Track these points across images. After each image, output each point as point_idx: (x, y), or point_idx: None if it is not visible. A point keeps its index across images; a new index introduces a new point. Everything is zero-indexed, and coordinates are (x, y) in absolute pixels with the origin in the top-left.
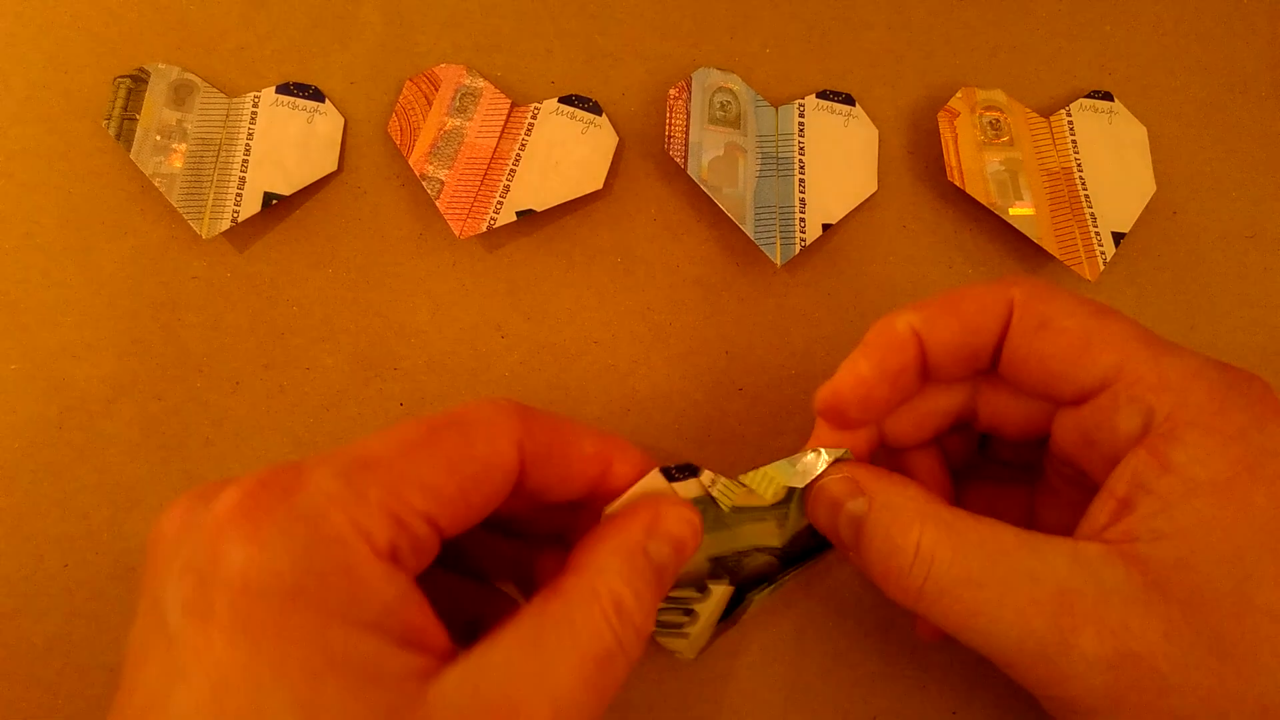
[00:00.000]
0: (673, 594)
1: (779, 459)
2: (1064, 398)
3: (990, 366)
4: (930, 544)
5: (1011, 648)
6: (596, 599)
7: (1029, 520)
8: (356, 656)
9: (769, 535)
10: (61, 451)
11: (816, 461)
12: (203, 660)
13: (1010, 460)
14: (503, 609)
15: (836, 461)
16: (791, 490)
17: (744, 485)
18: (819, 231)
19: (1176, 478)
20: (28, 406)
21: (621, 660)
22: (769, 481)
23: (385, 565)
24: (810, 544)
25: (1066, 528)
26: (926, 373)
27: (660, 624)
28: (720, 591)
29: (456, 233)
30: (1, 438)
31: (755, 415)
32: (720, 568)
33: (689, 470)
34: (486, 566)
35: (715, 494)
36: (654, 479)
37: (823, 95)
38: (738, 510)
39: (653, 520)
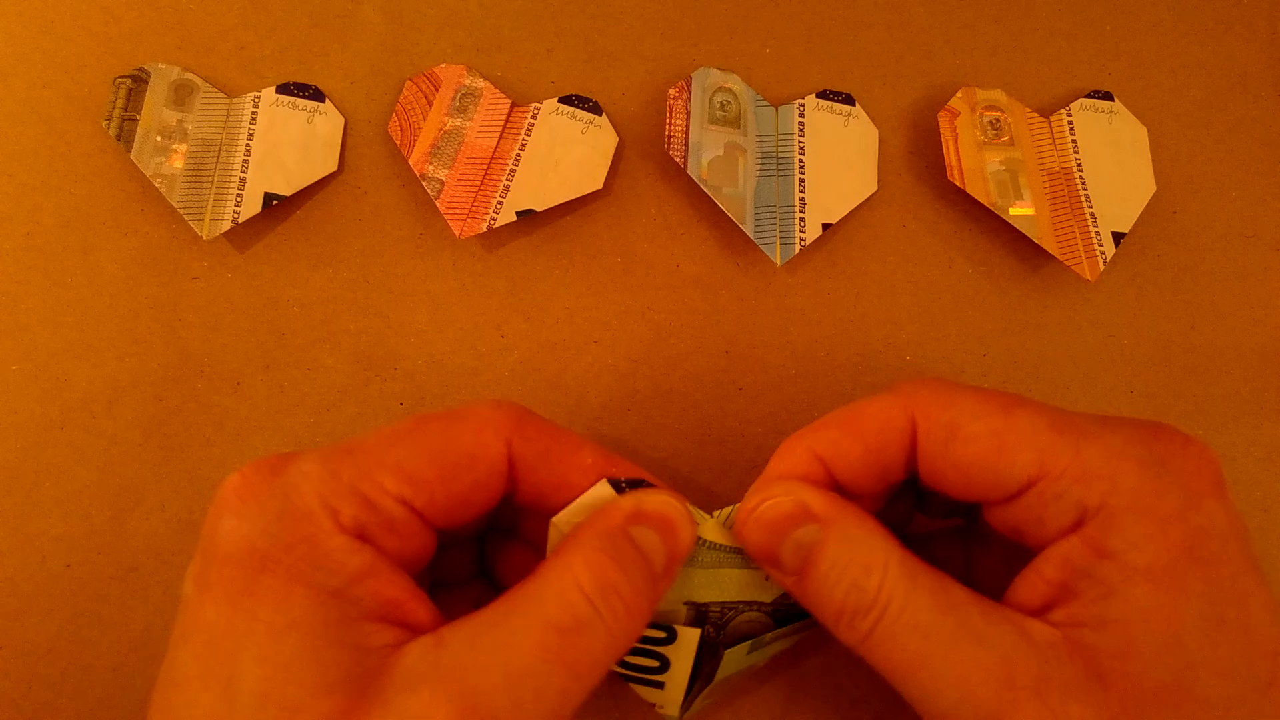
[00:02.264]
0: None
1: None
2: (990, 500)
3: (905, 475)
4: (890, 586)
5: (948, 708)
6: (569, 569)
7: (966, 570)
8: (319, 620)
9: (756, 588)
10: (63, 452)
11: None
12: (198, 623)
13: (942, 514)
14: None
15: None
16: None
17: (714, 519)
18: (819, 231)
19: (1115, 564)
20: (29, 407)
21: (599, 633)
22: None
23: (348, 539)
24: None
25: (1001, 580)
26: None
27: (633, 667)
28: (688, 636)
29: (456, 233)
30: (3, 438)
31: (755, 415)
32: (703, 618)
33: (640, 485)
34: None
35: None
36: (601, 490)
37: (823, 95)
38: (714, 548)
39: (634, 507)
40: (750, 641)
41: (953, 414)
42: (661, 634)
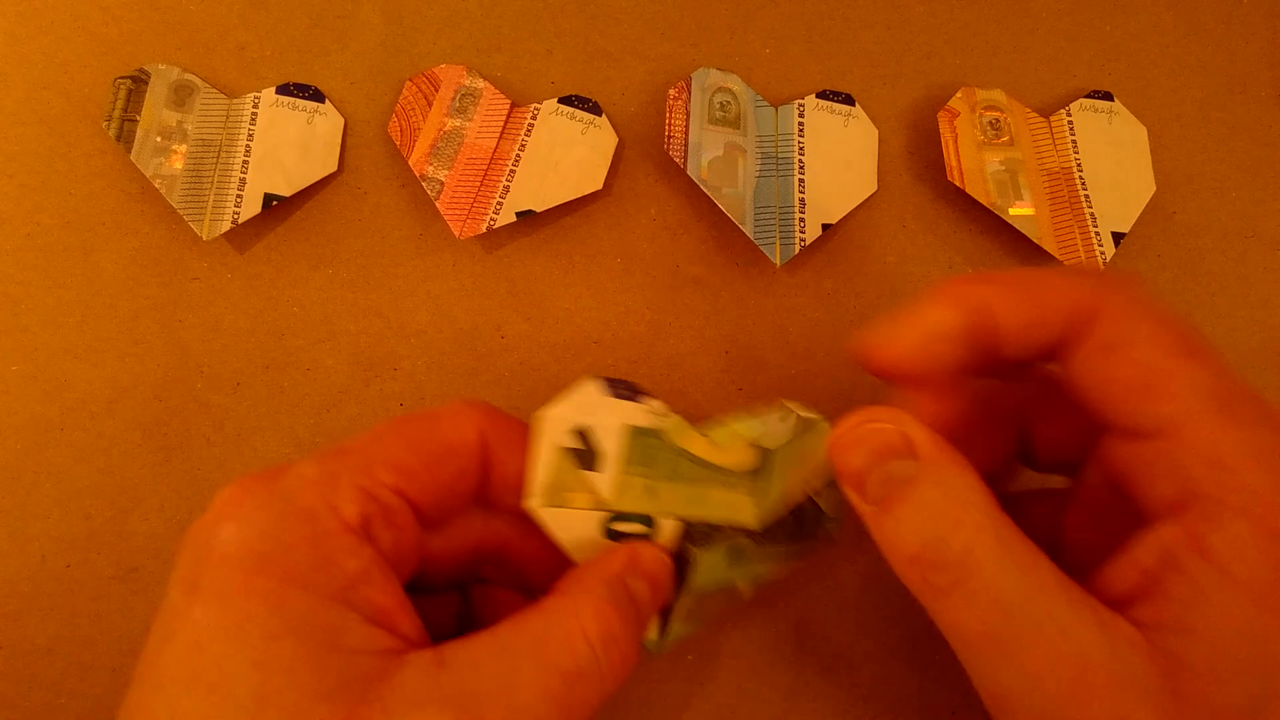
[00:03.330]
0: (618, 527)
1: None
2: (1114, 429)
3: (1050, 358)
4: (980, 548)
5: (1015, 694)
6: (576, 616)
7: (1054, 540)
8: (316, 623)
9: (742, 511)
10: (63, 452)
11: (787, 420)
12: (184, 624)
13: (1046, 465)
14: None
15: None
16: (766, 459)
17: (705, 436)
18: (819, 231)
19: (1213, 567)
20: (29, 407)
21: (596, 682)
22: (734, 437)
23: (353, 538)
24: (794, 536)
25: (1089, 557)
26: (985, 351)
27: None
28: (670, 527)
29: (456, 233)
30: (3, 438)
31: None
32: (687, 537)
33: (631, 389)
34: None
35: (669, 427)
36: (591, 389)
37: (823, 95)
38: (699, 464)
39: (632, 558)
40: (728, 547)
41: (1132, 328)
42: (640, 526)
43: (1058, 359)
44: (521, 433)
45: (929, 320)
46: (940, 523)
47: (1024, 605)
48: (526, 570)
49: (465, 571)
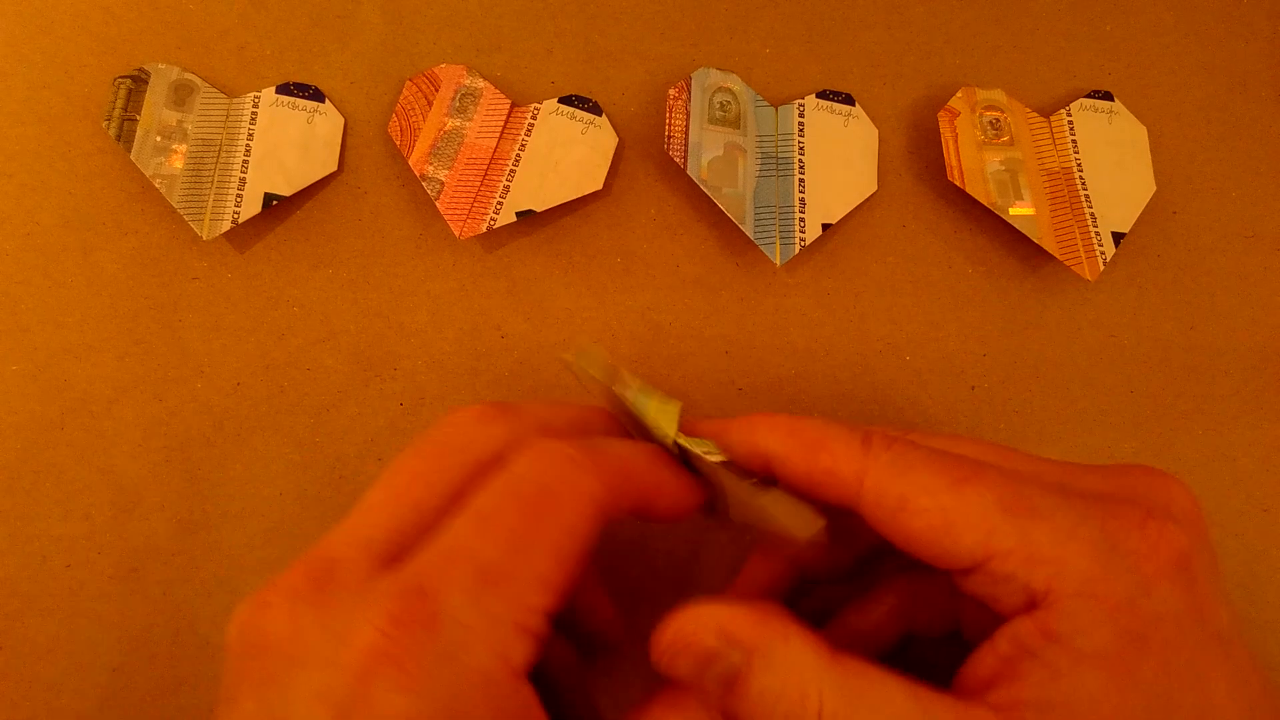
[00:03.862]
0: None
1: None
2: (941, 567)
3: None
4: (830, 710)
5: None
6: None
7: (954, 614)
8: None
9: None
10: (63, 452)
11: (661, 409)
12: None
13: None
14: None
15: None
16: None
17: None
18: (819, 231)
19: (1062, 648)
20: (29, 407)
21: None
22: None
23: (522, 687)
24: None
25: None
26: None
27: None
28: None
29: (456, 233)
30: (3, 438)
31: None
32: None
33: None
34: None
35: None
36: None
37: (823, 95)
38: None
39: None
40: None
41: (903, 486)
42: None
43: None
44: (637, 491)
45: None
46: (784, 704)
47: None
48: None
49: None
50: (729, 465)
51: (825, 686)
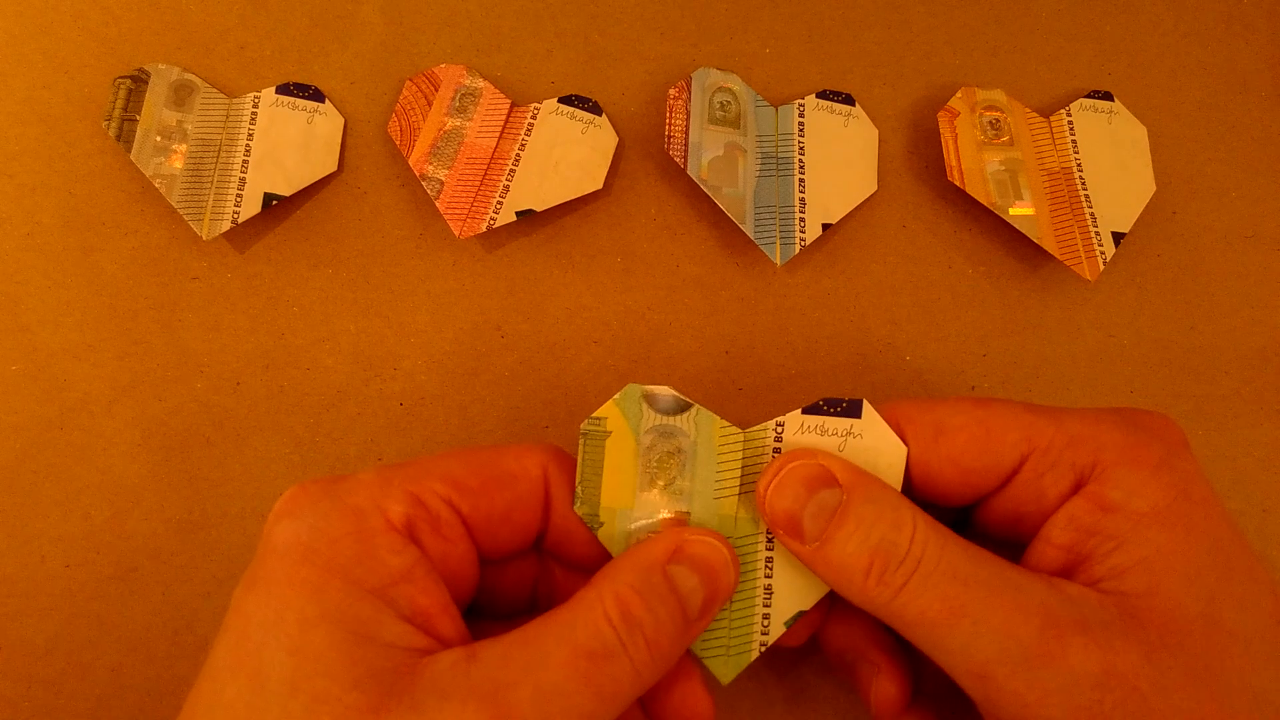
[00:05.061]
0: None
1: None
2: (983, 488)
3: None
4: (921, 539)
5: (993, 655)
6: (600, 600)
7: None
8: (351, 614)
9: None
10: (62, 452)
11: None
12: (236, 615)
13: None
14: None
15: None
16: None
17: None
18: (819, 231)
19: (1121, 515)
20: (29, 407)
21: (624, 663)
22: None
23: (397, 537)
24: None
25: None
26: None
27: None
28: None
29: (456, 233)
30: (2, 438)
31: (755, 415)
32: None
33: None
34: None
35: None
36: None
37: (823, 95)
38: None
39: (676, 546)
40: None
41: (935, 415)
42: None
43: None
44: None
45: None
46: (882, 528)
47: (978, 574)
48: None
49: (529, 607)
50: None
51: (919, 519)
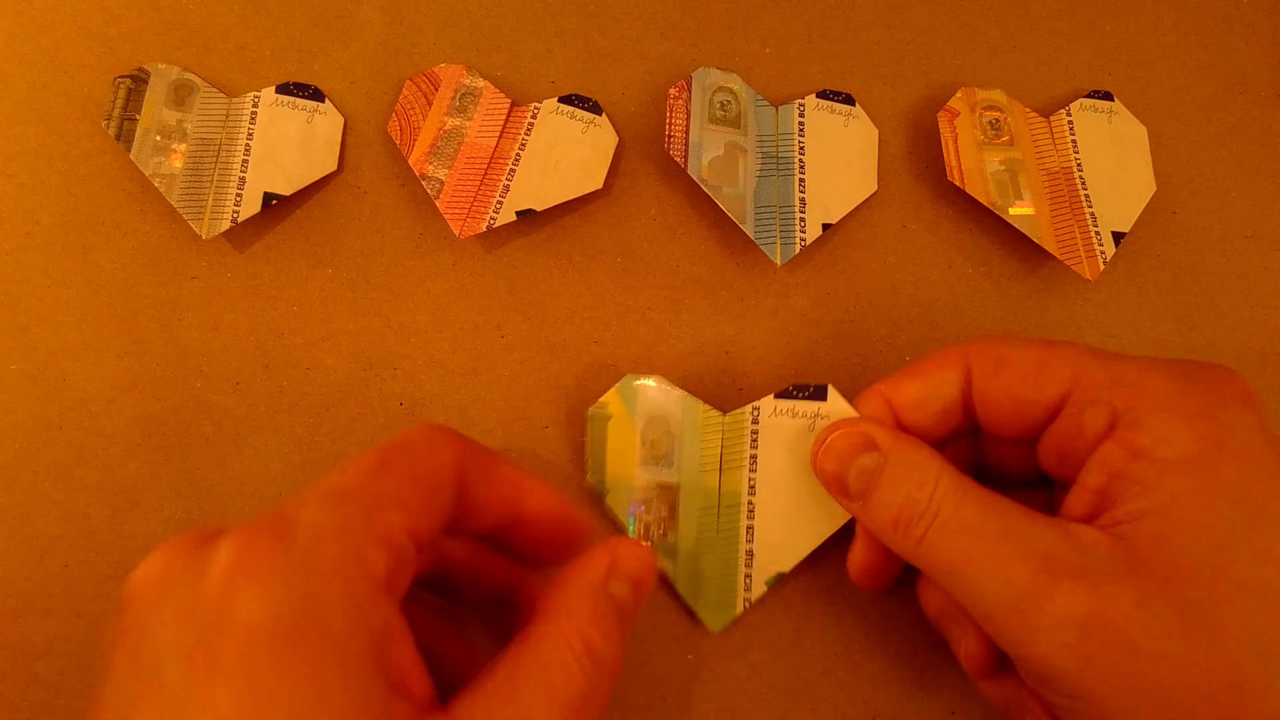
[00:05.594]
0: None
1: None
2: (1034, 420)
3: (962, 417)
4: (940, 496)
5: (991, 597)
6: (568, 645)
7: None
8: (349, 700)
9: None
10: (61, 451)
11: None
12: (206, 709)
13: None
14: (467, 652)
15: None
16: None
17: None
18: (819, 231)
19: (1147, 460)
20: (28, 406)
21: (595, 700)
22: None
23: (381, 596)
24: None
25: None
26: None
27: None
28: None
29: (456, 233)
30: (1, 438)
31: None
32: None
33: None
34: (465, 594)
35: None
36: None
37: (823, 95)
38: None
39: (612, 561)
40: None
41: (1001, 349)
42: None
43: (963, 416)
44: (487, 455)
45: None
46: (907, 486)
47: (986, 525)
48: (477, 586)
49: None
50: None
51: (942, 478)
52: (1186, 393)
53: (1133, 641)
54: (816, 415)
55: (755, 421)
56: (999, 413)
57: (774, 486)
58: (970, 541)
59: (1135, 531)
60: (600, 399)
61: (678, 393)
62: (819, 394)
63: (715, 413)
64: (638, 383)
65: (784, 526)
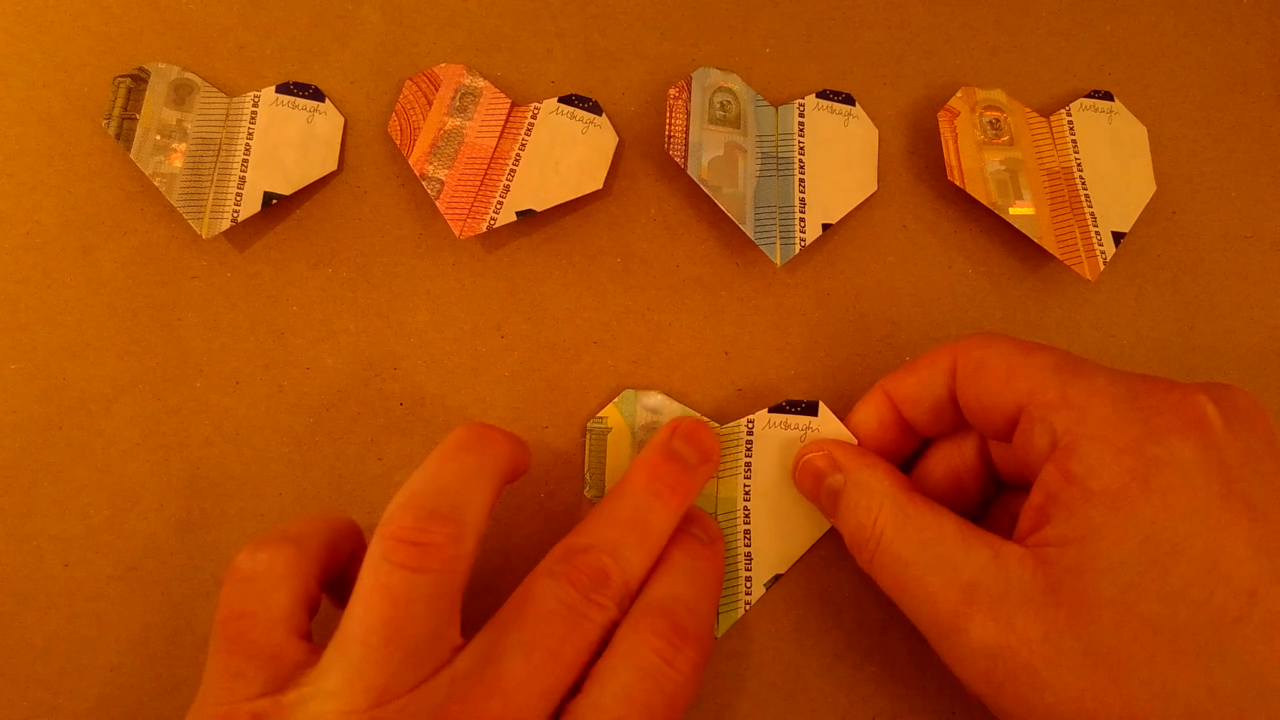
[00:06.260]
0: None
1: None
2: (1000, 427)
3: (957, 412)
4: (883, 523)
5: (923, 622)
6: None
7: None
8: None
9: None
10: (61, 451)
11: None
12: None
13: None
14: None
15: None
16: None
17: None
18: (819, 231)
19: (1077, 488)
20: (28, 406)
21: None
22: None
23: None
24: None
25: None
26: (909, 426)
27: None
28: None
29: (456, 233)
30: (1, 437)
31: None
32: None
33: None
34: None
35: None
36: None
37: (823, 95)
38: None
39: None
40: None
41: (983, 352)
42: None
43: (954, 411)
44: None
45: (858, 422)
46: (859, 513)
47: (921, 554)
48: None
49: None
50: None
51: (887, 502)
52: (1126, 420)
53: (1037, 673)
54: (808, 428)
55: (750, 433)
56: (973, 415)
57: (768, 493)
58: (904, 570)
59: (1059, 557)
60: (599, 412)
61: (676, 405)
62: (810, 409)
63: (712, 425)
64: (637, 395)
65: (779, 530)
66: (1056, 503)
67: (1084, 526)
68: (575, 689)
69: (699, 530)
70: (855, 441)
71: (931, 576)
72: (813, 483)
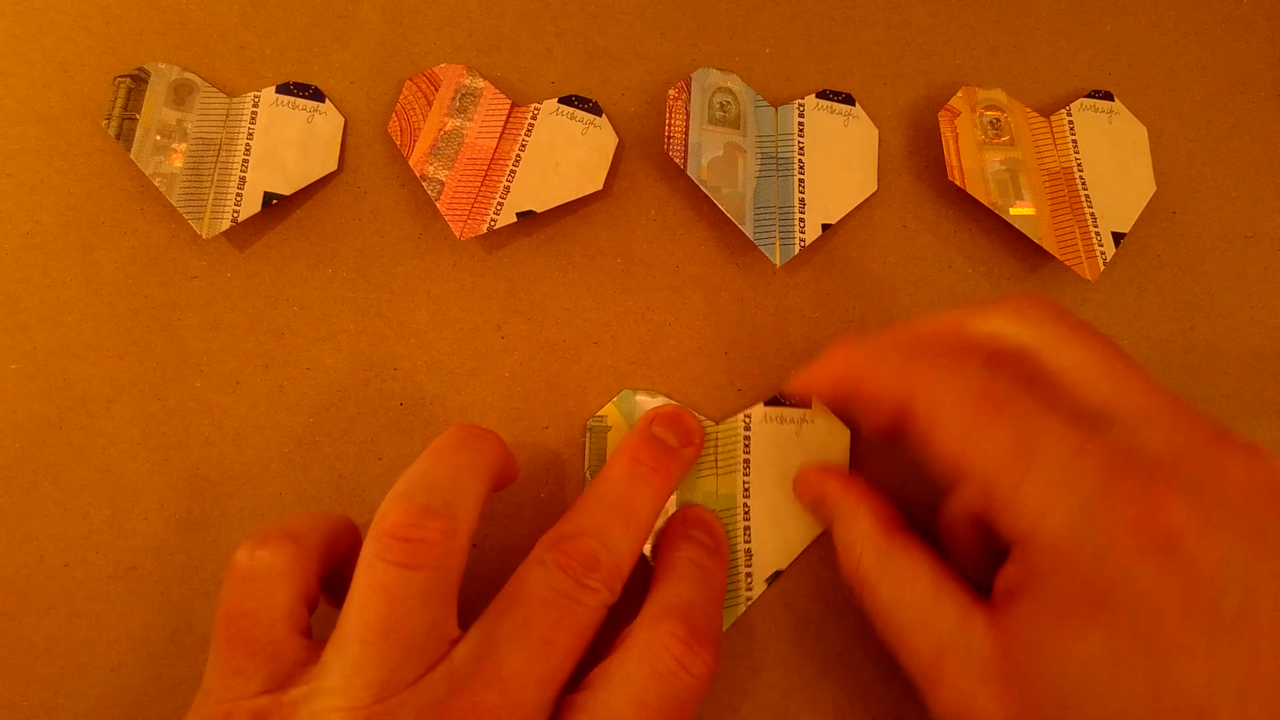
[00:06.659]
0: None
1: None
2: (951, 483)
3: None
4: (865, 567)
5: (906, 669)
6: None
7: None
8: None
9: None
10: (61, 451)
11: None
12: None
13: None
14: None
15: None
16: None
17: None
18: (819, 231)
19: (1032, 592)
20: (27, 406)
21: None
22: None
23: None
24: None
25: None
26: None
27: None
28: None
29: (456, 233)
30: (1, 437)
31: None
32: None
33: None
34: None
35: None
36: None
37: (823, 95)
38: None
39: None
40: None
41: (940, 412)
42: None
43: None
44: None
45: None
46: (843, 550)
47: (897, 608)
48: None
49: None
50: None
51: (867, 547)
52: (1083, 536)
53: None
54: (803, 420)
55: (747, 428)
56: (933, 469)
57: (767, 488)
58: (884, 622)
59: (1020, 636)
60: (599, 411)
61: (673, 405)
62: (804, 402)
63: (709, 422)
64: (635, 395)
65: (779, 526)
66: (1015, 595)
67: (1037, 630)
68: (575, 684)
69: (703, 536)
70: (848, 436)
71: (908, 635)
72: (811, 504)
